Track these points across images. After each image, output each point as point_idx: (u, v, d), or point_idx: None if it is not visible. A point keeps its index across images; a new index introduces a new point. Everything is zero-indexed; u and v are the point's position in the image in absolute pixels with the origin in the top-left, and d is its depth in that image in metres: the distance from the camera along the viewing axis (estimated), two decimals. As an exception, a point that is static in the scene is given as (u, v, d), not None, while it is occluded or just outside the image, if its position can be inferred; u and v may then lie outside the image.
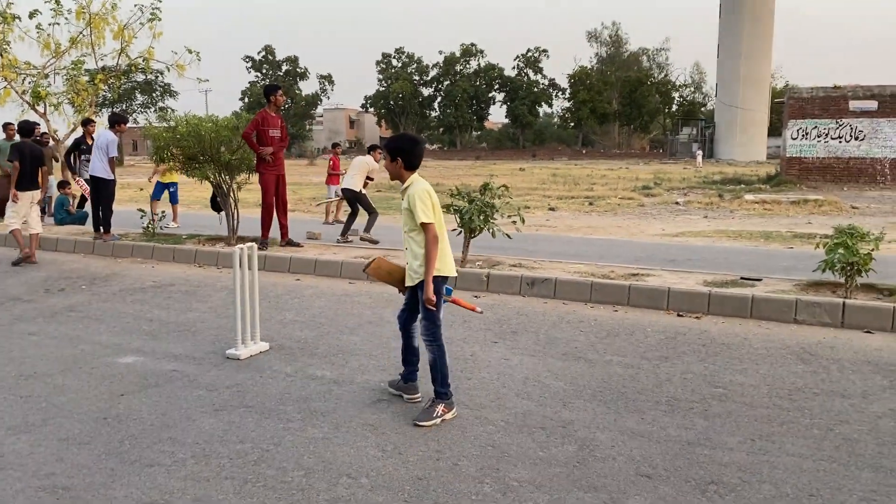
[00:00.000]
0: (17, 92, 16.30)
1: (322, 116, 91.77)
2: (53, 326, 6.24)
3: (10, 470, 3.51)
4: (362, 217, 10.84)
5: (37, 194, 9.41)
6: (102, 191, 9.87)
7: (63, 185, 12.79)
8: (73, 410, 4.30)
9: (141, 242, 9.76)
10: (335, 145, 16.34)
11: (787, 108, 26.45)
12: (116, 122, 9.87)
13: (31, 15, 15.84)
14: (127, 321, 6.38)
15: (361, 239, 10.15)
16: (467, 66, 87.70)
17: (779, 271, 8.30)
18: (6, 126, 13.40)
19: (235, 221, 9.67)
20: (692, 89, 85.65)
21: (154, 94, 65.65)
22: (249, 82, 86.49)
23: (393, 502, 3.19)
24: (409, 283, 4.36)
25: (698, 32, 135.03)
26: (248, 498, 3.23)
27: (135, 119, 65.28)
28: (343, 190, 11.08)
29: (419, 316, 4.32)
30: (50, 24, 15.89)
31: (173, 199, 12.95)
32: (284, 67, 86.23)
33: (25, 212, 9.27)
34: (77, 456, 3.68)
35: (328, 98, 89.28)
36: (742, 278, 7.24)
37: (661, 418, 4.12)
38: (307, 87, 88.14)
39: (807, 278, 7.23)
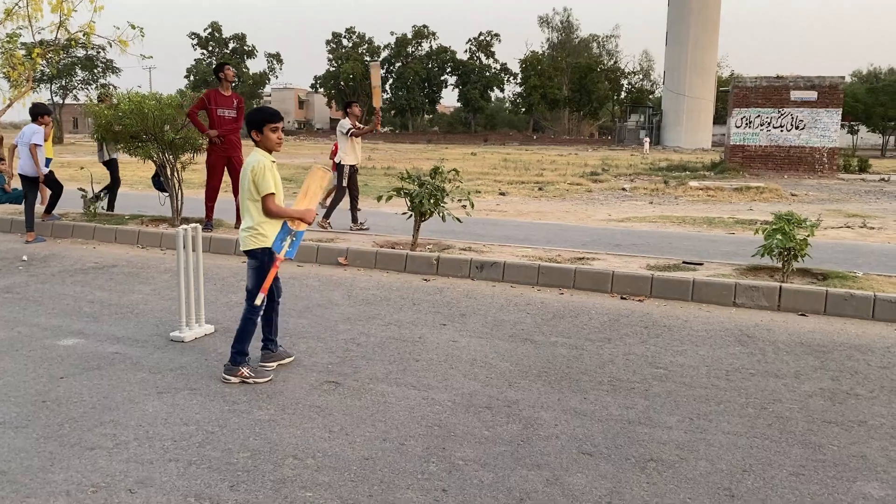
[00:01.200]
0: (-52, 66, 15.62)
1: (270, 96, 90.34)
2: (-11, 308, 6.05)
3: (-57, 455, 3.42)
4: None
5: None
6: (30, 190, 9.25)
7: (-2, 162, 12.32)
8: (10, 394, 4.18)
9: (82, 223, 9.50)
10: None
11: (731, 96, 27.08)
12: (39, 114, 9.25)
13: (-36, -15, 15.16)
14: (67, 303, 6.23)
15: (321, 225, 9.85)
16: (419, 48, 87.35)
17: (720, 256, 8.53)
18: None
19: (179, 202, 9.48)
20: (640, 77, 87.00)
21: (95, 71, 63.62)
22: (195, 60, 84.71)
23: (339, 482, 3.21)
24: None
25: (648, 20, 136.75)
26: (193, 480, 3.21)
27: (75, 96, 63.28)
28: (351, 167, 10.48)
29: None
30: (-15, -5, 15.24)
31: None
32: (231, 45, 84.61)
33: None
34: (14, 440, 3.59)
35: (276, 77, 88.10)
36: (684, 262, 7.42)
37: (603, 398, 4.22)
38: (255, 66, 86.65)
39: (746, 263, 7.45)
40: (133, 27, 16.73)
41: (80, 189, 10.31)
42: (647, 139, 54.37)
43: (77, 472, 3.26)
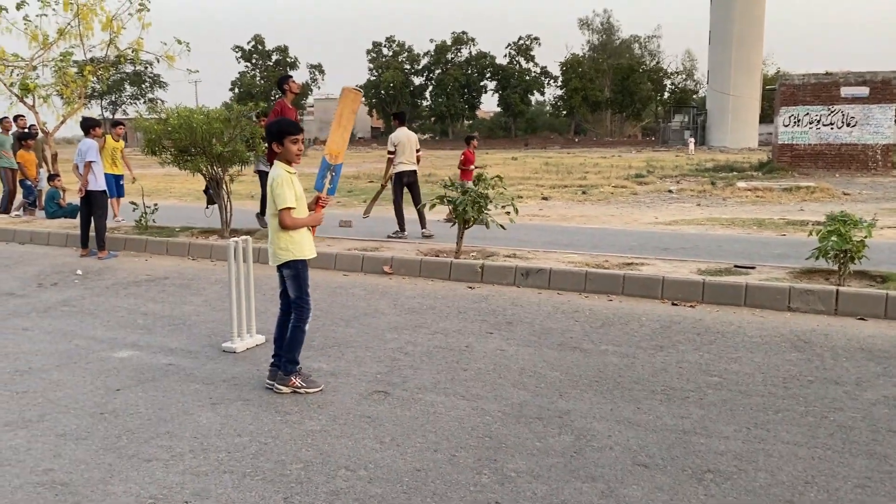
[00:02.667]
0: (5, 84, 16.12)
1: (313, 106, 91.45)
2: (47, 321, 6.22)
3: (8, 466, 3.51)
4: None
5: None
6: (94, 203, 9.11)
7: (53, 177, 12.71)
8: (70, 406, 4.29)
9: (133, 235, 9.72)
10: (470, 138, 14.13)
11: (778, 94, 26.49)
12: (90, 126, 9.35)
13: (18, 6, 15.66)
14: (121, 315, 6.36)
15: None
16: (458, 54, 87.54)
17: (772, 259, 8.34)
18: (2, 121, 13.32)
19: (228, 214, 9.64)
20: (684, 76, 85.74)
21: (143, 86, 65.32)
22: (239, 72, 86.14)
23: (391, 494, 3.20)
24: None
25: (690, 19, 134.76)
26: (247, 492, 3.24)
27: (124, 110, 64.96)
28: (410, 173, 10.45)
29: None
30: (37, 16, 15.73)
31: (120, 193, 12.09)
32: (274, 57, 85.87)
33: None
34: (75, 451, 3.67)
35: (319, 88, 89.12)
36: (736, 266, 7.27)
37: (657, 407, 4.15)
38: (297, 77, 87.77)
39: (800, 266, 7.26)
40: (179, 42, 17.18)
41: (132, 203, 10.54)
42: (692, 139, 53.52)
43: (135, 484, 3.32)
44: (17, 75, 16.38)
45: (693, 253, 9.20)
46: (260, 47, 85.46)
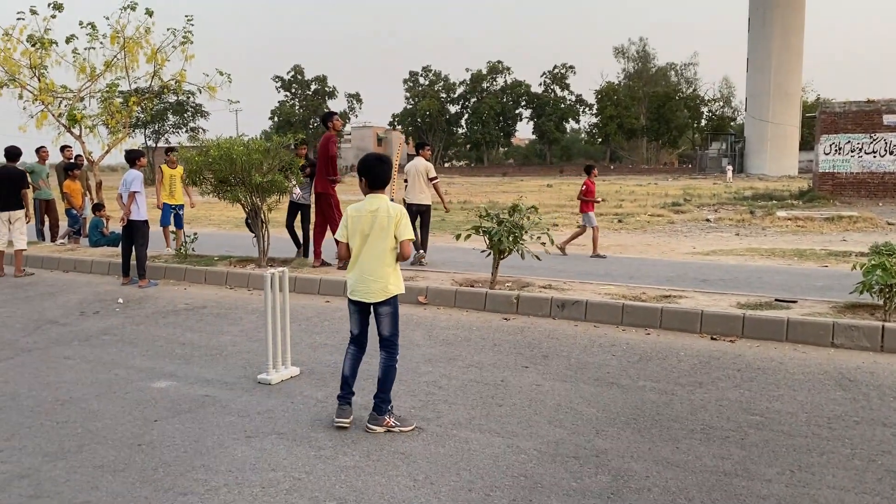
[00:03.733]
0: (53, 115, 16.60)
1: (350, 134, 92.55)
2: (88, 350, 6.32)
3: (47, 498, 3.55)
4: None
5: (14, 214, 10.09)
6: (136, 233, 9.30)
7: (97, 207, 13.01)
8: (108, 436, 4.33)
9: (173, 264, 9.88)
10: (590, 168, 13.54)
11: (819, 122, 26.13)
12: (135, 158, 9.60)
13: (68, 40, 16.18)
14: (160, 345, 6.45)
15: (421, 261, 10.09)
16: (494, 83, 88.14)
17: (814, 292, 8.16)
18: (39, 150, 13.71)
19: (266, 243, 9.75)
20: (721, 104, 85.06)
21: (185, 115, 66.72)
22: (279, 101, 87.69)
23: (425, 534, 3.16)
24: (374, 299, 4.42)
25: (727, 47, 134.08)
26: (281, 529, 3.23)
27: (167, 139, 66.42)
28: (418, 205, 10.50)
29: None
30: (86, 49, 16.22)
31: (178, 224, 12.18)
32: (313, 87, 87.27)
33: (4, 231, 10.04)
34: (112, 483, 3.70)
35: (356, 116, 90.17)
36: (777, 300, 7.12)
37: (696, 447, 4.05)
38: (335, 106, 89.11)
39: (843, 300, 7.08)
40: (221, 74, 17.58)
41: (172, 232, 10.72)
42: (730, 167, 52.95)
43: (170, 519, 3.33)
44: (65, 106, 16.89)
45: (732, 285, 9.05)
46: (299, 77, 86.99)
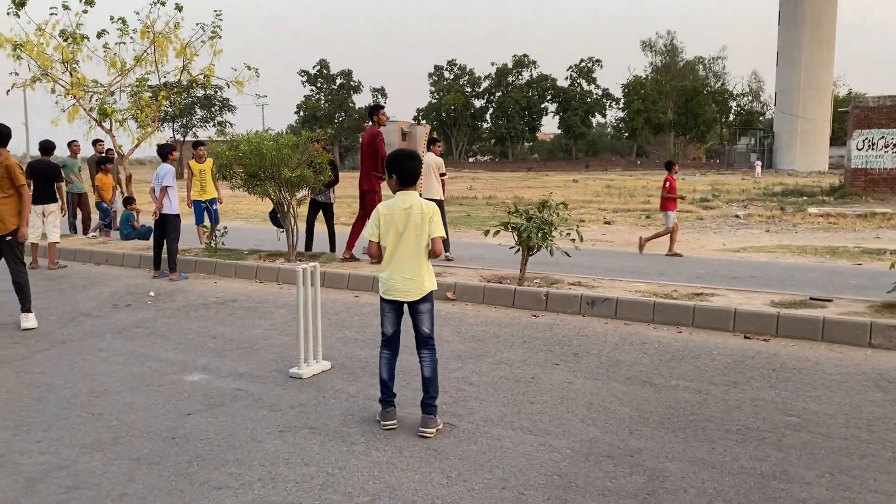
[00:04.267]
0: (84, 109, 16.81)
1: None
2: (121, 342, 6.39)
3: (86, 489, 3.59)
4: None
5: (49, 207, 10.20)
6: (168, 226, 9.40)
7: (128, 201, 13.16)
8: (143, 429, 4.38)
9: (203, 258, 9.96)
10: (671, 164, 13.28)
11: (851, 117, 25.70)
12: (167, 152, 9.65)
13: (99, 35, 16.36)
14: (191, 338, 6.50)
15: None
16: (519, 77, 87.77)
17: (848, 290, 8.03)
18: (71, 144, 13.88)
19: (295, 238, 9.80)
20: (750, 98, 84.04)
21: (213, 109, 67.35)
22: (304, 96, 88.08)
23: (460, 532, 3.15)
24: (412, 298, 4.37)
25: (756, 40, 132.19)
26: (316, 524, 3.23)
27: (195, 133, 67.12)
28: (433, 201, 10.61)
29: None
30: (116, 44, 16.40)
31: (214, 218, 12.07)
32: (339, 81, 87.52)
33: (38, 224, 10.11)
34: (148, 476, 3.74)
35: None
36: (812, 298, 7.01)
37: (732, 448, 3.99)
38: (361, 101, 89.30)
39: (880, 299, 6.95)
40: (249, 69, 17.74)
41: (203, 226, 10.81)
42: (759, 162, 52.27)
43: (206, 512, 3.35)
44: (96, 100, 17.10)
45: (764, 282, 8.94)
46: (325, 71, 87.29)
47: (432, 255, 4.37)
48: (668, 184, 12.83)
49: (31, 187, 9.96)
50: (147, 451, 4.04)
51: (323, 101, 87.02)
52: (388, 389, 4.44)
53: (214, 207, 12.05)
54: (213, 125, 67.88)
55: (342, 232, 10.84)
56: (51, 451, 4.06)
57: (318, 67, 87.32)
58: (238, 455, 3.99)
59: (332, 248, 10.64)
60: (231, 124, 68.75)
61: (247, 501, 3.45)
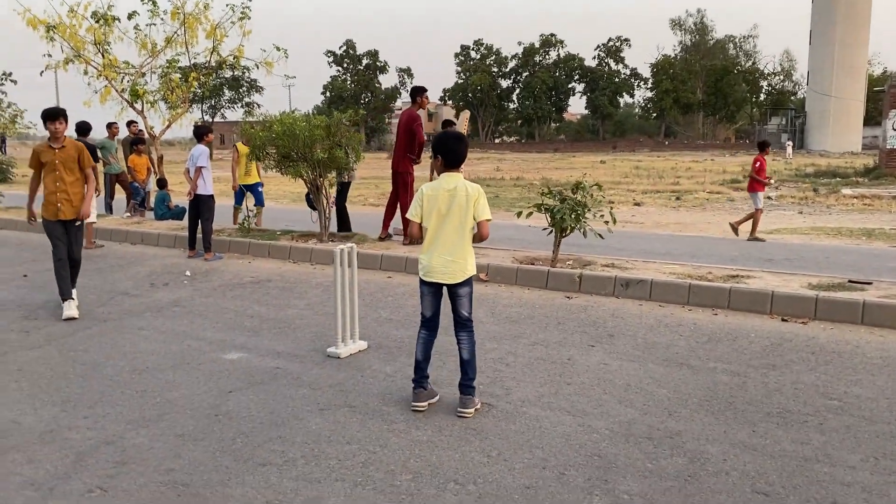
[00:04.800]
0: (116, 91, 16.97)
1: (401, 110, 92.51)
2: (160, 321, 6.50)
3: (133, 464, 3.67)
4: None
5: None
6: (203, 207, 9.47)
7: (162, 182, 13.31)
8: (186, 406, 4.46)
9: (237, 238, 10.06)
10: (765, 144, 13.16)
11: (887, 97, 25.15)
12: (204, 133, 9.71)
13: (130, 16, 16.48)
14: (229, 317, 6.59)
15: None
16: (546, 56, 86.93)
17: (886, 273, 7.91)
18: (110, 125, 14.04)
19: (327, 218, 9.85)
20: (781, 78, 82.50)
21: (241, 90, 67.66)
22: (331, 77, 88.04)
23: (502, 511, 3.18)
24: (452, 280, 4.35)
25: (789, 19, 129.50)
26: (359, 501, 3.28)
27: (223, 114, 67.53)
28: None
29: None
30: (147, 25, 16.50)
31: (260, 201, 12.03)
32: (365, 62, 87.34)
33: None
34: (193, 452, 3.81)
35: (407, 91, 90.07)
36: (850, 281, 6.91)
37: (773, 431, 3.97)
38: (386, 81, 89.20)
39: (921, 282, 6.84)
40: (278, 49, 17.79)
41: (236, 206, 10.90)
42: (790, 143, 51.41)
43: (252, 488, 3.42)
44: (128, 82, 17.25)
45: (799, 265, 8.83)
46: (351, 52, 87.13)
47: (478, 238, 4.35)
48: (758, 164, 12.46)
49: None
50: (191, 428, 4.12)
51: (349, 82, 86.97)
52: (420, 370, 4.46)
53: (259, 190, 12.00)
54: (241, 106, 68.23)
55: (362, 213, 10.88)
56: (98, 426, 4.15)
57: (345, 48, 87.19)
58: (280, 432, 4.05)
59: (348, 228, 10.63)
60: (259, 105, 69.01)
61: (291, 478, 3.51)
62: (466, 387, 4.33)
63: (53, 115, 6.57)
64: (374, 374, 4.99)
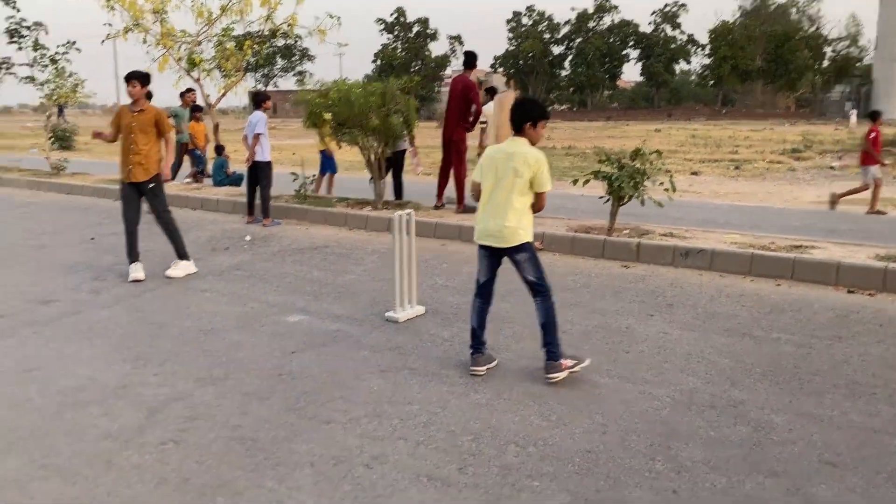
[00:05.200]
0: (174, 59, 17.22)
1: (450, 77, 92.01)
2: (223, 284, 6.66)
3: (202, 420, 3.80)
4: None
5: None
6: (260, 174, 9.60)
7: (220, 149, 13.52)
8: (250, 366, 4.58)
9: (294, 204, 10.20)
10: (877, 114, 12.66)
11: (963, 62, 23.97)
12: (262, 100, 9.79)
13: (187, -17, 16.63)
14: (289, 281, 6.71)
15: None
16: (600, 22, 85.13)
17: (961, 245, 7.60)
18: (185, 93, 14.27)
19: (382, 186, 9.90)
20: (847, 43, 79.24)
21: (293, 59, 68.05)
22: (382, 45, 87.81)
23: (563, 474, 3.21)
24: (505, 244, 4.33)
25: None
26: (423, 459, 3.34)
27: (275, 83, 68.11)
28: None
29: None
30: (203, -8, 16.64)
31: (333, 168, 12.08)
32: (415, 29, 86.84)
33: None
34: (259, 410, 3.92)
35: (457, 59, 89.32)
36: (921, 253, 6.67)
37: (841, 402, 3.90)
38: (436, 49, 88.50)
39: None
40: (331, 17, 17.84)
41: (293, 173, 11.03)
42: (855, 111, 49.51)
43: (317, 445, 3.51)
44: (185, 50, 17.50)
45: (865, 236, 8.55)
46: (402, 19, 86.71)
47: (535, 209, 4.32)
48: (873, 135, 11.67)
49: None
50: (256, 387, 4.24)
51: (399, 50, 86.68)
52: (476, 337, 4.50)
53: (333, 157, 12.02)
54: (294, 74, 68.69)
55: (413, 181, 10.87)
56: (167, 383, 4.30)
57: (396, 15, 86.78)
58: (343, 392, 4.13)
59: (400, 196, 10.66)
60: (311, 73, 69.45)
61: (355, 435, 3.59)
62: (548, 351, 4.31)
63: (127, 78, 6.73)
64: (431, 339, 5.04)
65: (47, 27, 20.48)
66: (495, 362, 4.52)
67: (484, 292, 4.56)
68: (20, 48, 19.96)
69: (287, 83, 73.79)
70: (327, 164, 11.98)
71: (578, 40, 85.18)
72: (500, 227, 4.30)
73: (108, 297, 6.20)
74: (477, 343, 4.50)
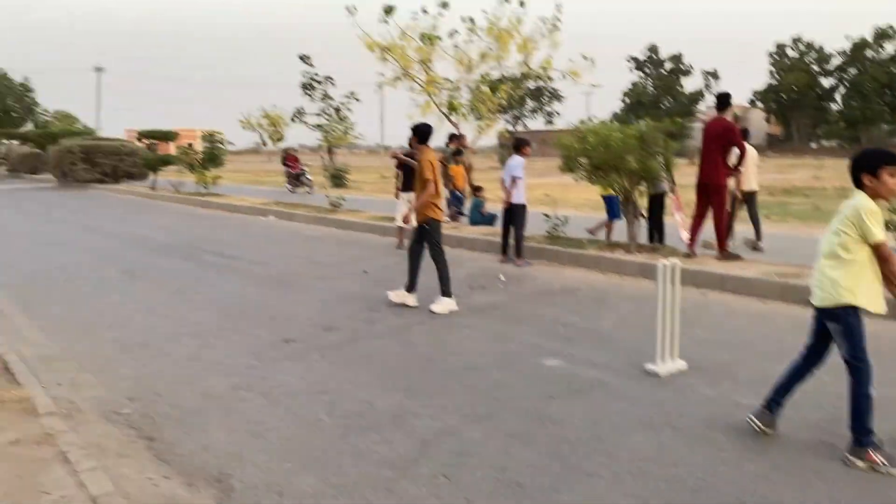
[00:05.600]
0: (436, 104, 18.46)
1: (704, 114, 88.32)
2: (482, 322, 6.93)
3: (470, 457, 3.96)
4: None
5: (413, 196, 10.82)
6: (515, 215, 9.87)
7: (477, 189, 14.17)
8: (512, 407, 4.69)
9: (545, 245, 10.36)
10: None
11: None
12: (523, 145, 10.11)
13: (451, 35, 17.81)
14: (544, 323, 6.81)
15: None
16: (880, 51, 76.95)
17: None
18: (457, 137, 15.26)
19: (636, 229, 9.74)
20: None
21: (542, 99, 69.62)
22: (632, 83, 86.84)
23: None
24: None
25: None
26: (693, 529, 3.19)
27: (524, 124, 70.07)
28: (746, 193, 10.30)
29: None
30: (465, 42, 17.72)
31: (616, 214, 11.37)
32: (668, 66, 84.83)
33: (405, 210, 10.67)
34: (522, 453, 4.00)
35: (711, 93, 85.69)
36: None
37: None
38: (689, 84, 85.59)
39: None
40: (585, 58, 18.10)
41: (545, 214, 11.23)
42: None
43: (582, 498, 3.49)
44: (446, 96, 18.68)
45: None
46: (654, 56, 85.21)
47: (881, 262, 3.80)
48: None
49: (402, 177, 11.18)
50: (519, 429, 4.33)
51: (650, 87, 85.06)
52: (775, 390, 4.24)
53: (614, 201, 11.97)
54: (542, 115, 70.22)
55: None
56: (438, 417, 4.54)
57: (648, 54, 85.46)
58: (605, 446, 4.08)
59: (661, 240, 10.34)
60: (558, 114, 70.59)
61: (620, 493, 3.53)
62: (851, 433, 3.91)
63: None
64: (696, 397, 4.82)
65: (334, 80, 22.97)
66: (773, 430, 4.19)
67: (806, 351, 4.25)
68: (312, 100, 22.75)
69: (535, 123, 75.65)
70: (614, 209, 11.77)
71: (853, 71, 77.67)
72: (816, 283, 4.03)
73: (381, 328, 6.73)
74: (770, 397, 4.23)
